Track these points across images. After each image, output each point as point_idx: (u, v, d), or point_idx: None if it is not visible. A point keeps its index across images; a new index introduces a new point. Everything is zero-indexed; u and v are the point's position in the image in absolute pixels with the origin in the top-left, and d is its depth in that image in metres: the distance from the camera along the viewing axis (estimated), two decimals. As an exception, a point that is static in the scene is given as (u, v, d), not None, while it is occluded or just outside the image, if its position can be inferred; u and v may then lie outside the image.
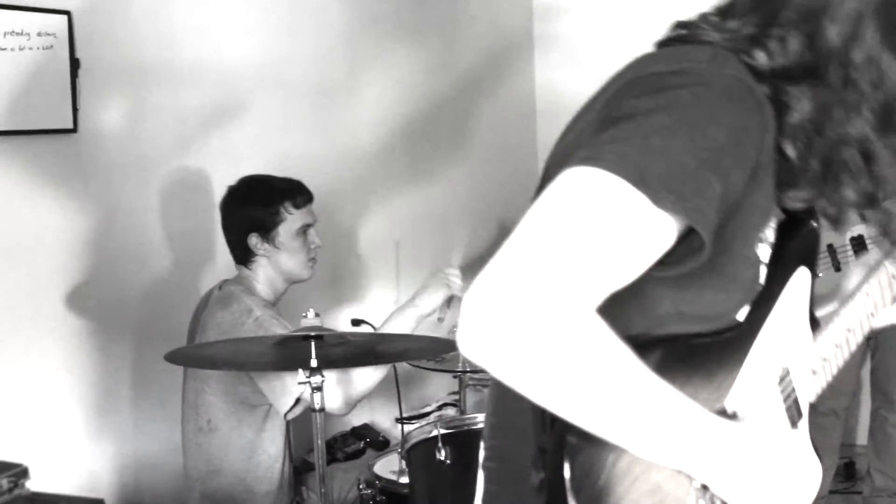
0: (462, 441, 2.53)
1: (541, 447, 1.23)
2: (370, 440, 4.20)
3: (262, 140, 3.88)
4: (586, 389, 1.07)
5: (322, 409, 2.39)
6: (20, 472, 1.73)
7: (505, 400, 1.33)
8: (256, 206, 3.07)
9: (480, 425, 2.56)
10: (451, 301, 3.01)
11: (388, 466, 3.13)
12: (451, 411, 4.67)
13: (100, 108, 3.27)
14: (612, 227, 1.09)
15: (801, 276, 1.39)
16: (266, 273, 3.09)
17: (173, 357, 2.46)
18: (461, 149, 5.03)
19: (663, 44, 1.37)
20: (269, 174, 3.18)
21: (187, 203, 3.59)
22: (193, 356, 2.65)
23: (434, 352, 2.81)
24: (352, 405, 2.88)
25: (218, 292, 3.10)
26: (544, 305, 1.04)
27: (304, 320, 2.43)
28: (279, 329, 2.92)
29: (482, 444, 1.42)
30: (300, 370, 2.39)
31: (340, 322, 4.16)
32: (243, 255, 3.09)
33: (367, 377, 2.86)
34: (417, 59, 4.69)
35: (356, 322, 3.44)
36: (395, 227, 4.61)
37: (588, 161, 1.12)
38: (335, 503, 3.28)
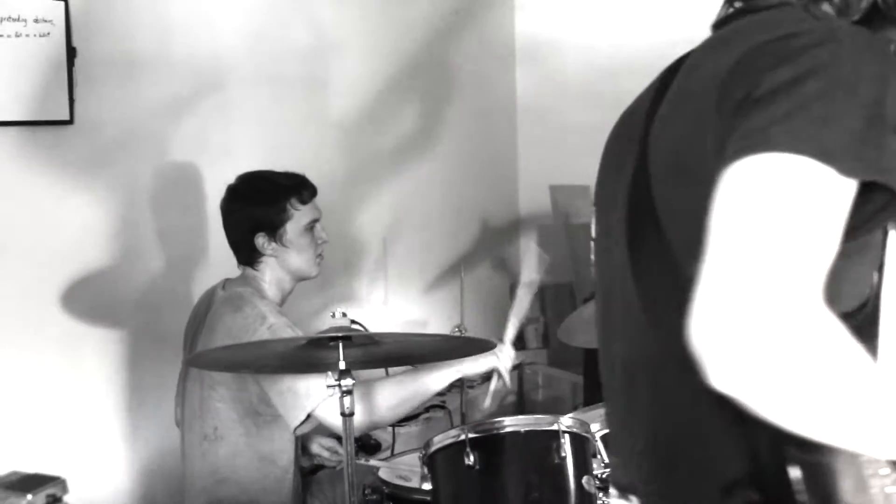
0: (490, 446, 2.43)
1: (734, 479, 1.14)
2: (361, 444, 4.11)
3: (256, 134, 3.80)
4: (840, 389, 1.00)
5: (352, 414, 2.29)
6: (60, 485, 1.61)
7: (671, 436, 1.23)
8: (261, 204, 2.95)
9: (508, 429, 2.49)
10: (494, 374, 2.94)
11: (395, 471, 3.04)
12: (439, 413, 4.61)
13: (96, 99, 3.16)
14: (812, 209, 1.02)
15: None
16: (274, 273, 2.97)
17: (195, 361, 2.35)
18: (444, 146, 4.99)
19: (726, 20, 1.32)
20: (270, 170, 3.06)
21: (182, 198, 3.51)
22: (212, 360, 2.53)
23: (465, 353, 2.71)
24: (374, 422, 2.79)
25: (222, 292, 2.98)
26: (787, 311, 0.97)
27: (331, 320, 2.33)
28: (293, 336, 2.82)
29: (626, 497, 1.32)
30: (328, 373, 2.29)
31: (329, 323, 4.07)
32: (249, 256, 2.97)
33: (391, 395, 2.77)
34: (403, 55, 4.64)
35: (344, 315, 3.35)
36: (381, 226, 4.56)
37: (758, 147, 1.04)
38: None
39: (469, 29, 5.18)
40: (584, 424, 2.56)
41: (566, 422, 2.50)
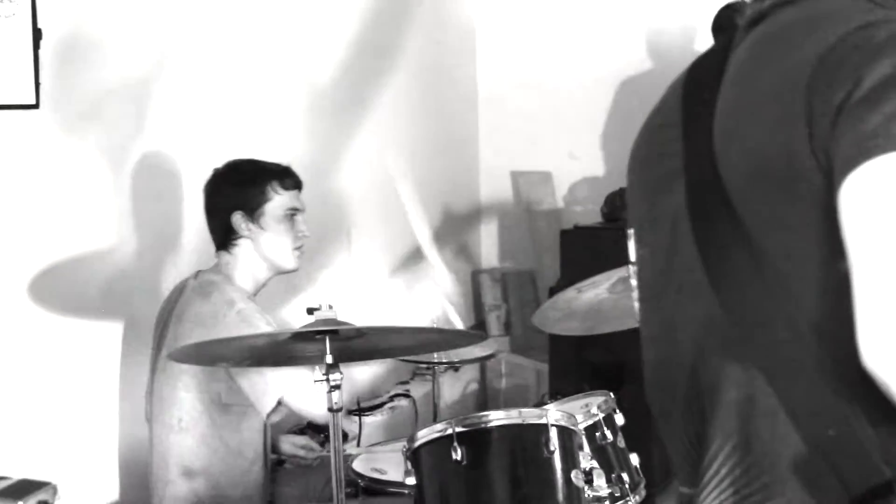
0: (478, 440, 2.38)
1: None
2: (327, 435, 4.04)
3: (226, 117, 3.75)
4: None
5: (340, 409, 2.23)
6: (51, 491, 1.53)
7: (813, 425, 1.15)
8: (242, 184, 2.94)
9: (496, 423, 2.43)
10: None
11: (369, 463, 2.99)
12: (403, 402, 4.57)
13: (62, 84, 3.04)
14: None
15: None
16: (248, 258, 2.93)
17: (175, 356, 2.27)
18: (407, 136, 4.96)
19: (762, 15, 1.25)
20: (256, 158, 3.05)
21: (153, 184, 3.42)
22: (190, 354, 2.46)
23: (453, 344, 2.66)
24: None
25: (194, 282, 2.93)
26: None
27: (318, 313, 2.27)
28: (263, 324, 2.78)
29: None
30: (316, 367, 2.23)
31: (296, 311, 4.00)
32: (224, 237, 2.94)
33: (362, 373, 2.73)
34: (365, 44, 4.60)
35: (311, 310, 3.29)
36: (346, 215, 4.53)
37: (882, 148, 1.00)
38: (312, 500, 3.13)
39: (430, 16, 5.13)
40: (571, 417, 2.52)
41: (554, 415, 2.46)
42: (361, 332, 2.30)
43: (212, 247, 3.01)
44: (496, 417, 2.43)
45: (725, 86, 1.22)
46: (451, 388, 4.99)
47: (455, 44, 5.47)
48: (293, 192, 2.97)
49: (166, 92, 3.47)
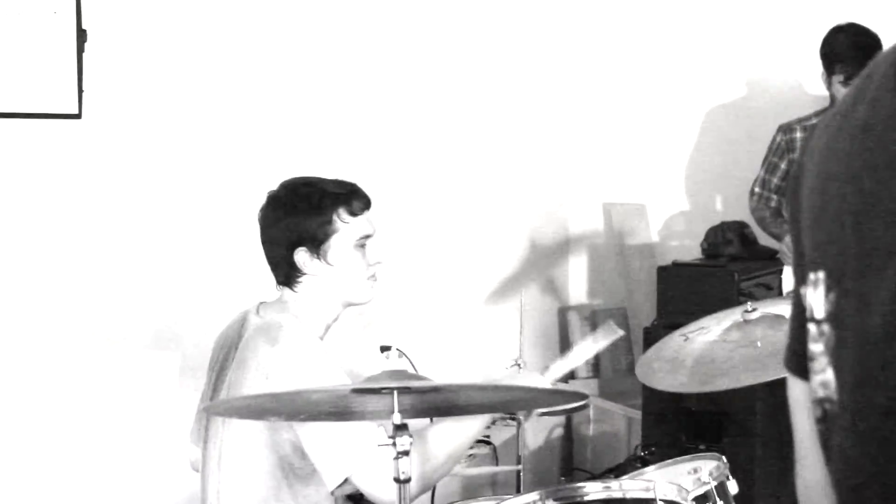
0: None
1: None
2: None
3: (288, 134, 3.57)
4: None
5: (409, 480, 1.85)
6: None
7: None
8: (304, 213, 2.57)
9: (592, 497, 2.11)
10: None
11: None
12: (484, 449, 4.25)
13: (109, 91, 2.91)
14: None
15: None
16: (316, 296, 2.57)
17: (216, 408, 1.94)
18: (494, 162, 4.65)
19: None
20: (317, 176, 2.68)
21: (201, 202, 3.26)
22: (234, 407, 2.12)
23: (544, 403, 2.30)
24: (428, 485, 2.35)
25: (256, 318, 2.58)
26: None
27: (386, 362, 1.90)
28: (335, 376, 2.41)
29: None
30: (383, 428, 1.86)
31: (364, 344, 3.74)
32: (288, 275, 2.58)
33: (449, 440, 2.34)
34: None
35: (384, 348, 2.96)
36: (425, 243, 4.31)
37: None
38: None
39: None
40: (682, 490, 2.19)
41: (662, 488, 2.11)
42: (437, 389, 1.93)
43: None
44: (593, 490, 2.12)
45: None
46: (535, 435, 4.78)
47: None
48: (363, 217, 2.61)
49: (225, 100, 3.31)
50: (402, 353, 1.96)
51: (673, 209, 5.31)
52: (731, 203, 4.77)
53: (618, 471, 4.26)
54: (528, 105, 5.09)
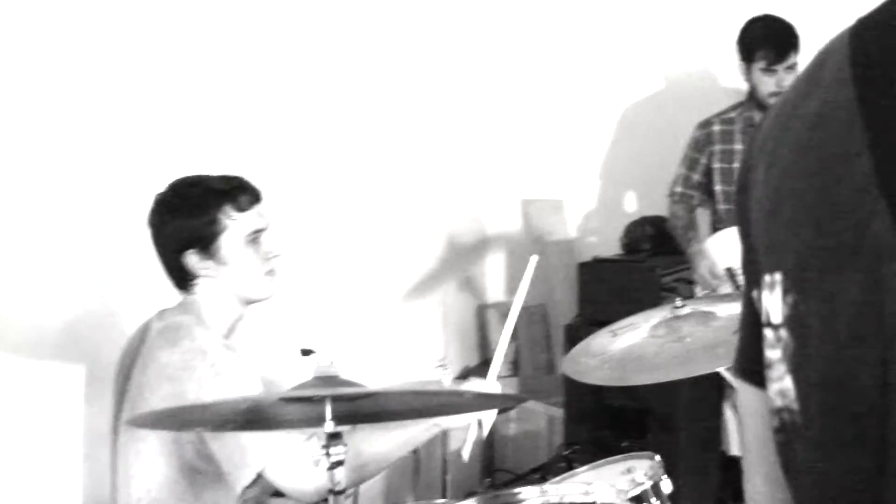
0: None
1: None
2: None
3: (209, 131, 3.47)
4: None
5: (343, 492, 1.77)
6: None
7: None
8: (189, 215, 2.46)
9: (530, 502, 2.07)
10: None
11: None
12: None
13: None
14: None
15: None
16: (215, 297, 2.46)
17: (138, 421, 1.83)
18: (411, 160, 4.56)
19: None
20: (203, 174, 2.56)
21: (105, 209, 3.13)
22: (163, 419, 2.00)
23: (483, 407, 2.23)
24: (358, 482, 2.26)
25: (159, 323, 2.46)
26: None
27: (317, 368, 1.82)
28: (243, 376, 2.30)
29: None
30: (314, 438, 1.77)
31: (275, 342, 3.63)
32: (182, 279, 2.47)
33: (379, 440, 2.25)
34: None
35: (306, 352, 2.85)
36: (339, 242, 4.20)
37: None
38: None
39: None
40: (620, 493, 2.17)
41: (602, 492, 2.08)
42: (371, 395, 1.85)
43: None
44: (531, 496, 2.06)
45: None
46: (455, 434, 4.57)
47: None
48: (252, 212, 2.50)
49: (133, 99, 3.21)
50: (332, 362, 1.87)
51: (590, 205, 5.28)
52: (649, 199, 4.75)
53: (542, 470, 4.21)
54: (446, 101, 5.02)
